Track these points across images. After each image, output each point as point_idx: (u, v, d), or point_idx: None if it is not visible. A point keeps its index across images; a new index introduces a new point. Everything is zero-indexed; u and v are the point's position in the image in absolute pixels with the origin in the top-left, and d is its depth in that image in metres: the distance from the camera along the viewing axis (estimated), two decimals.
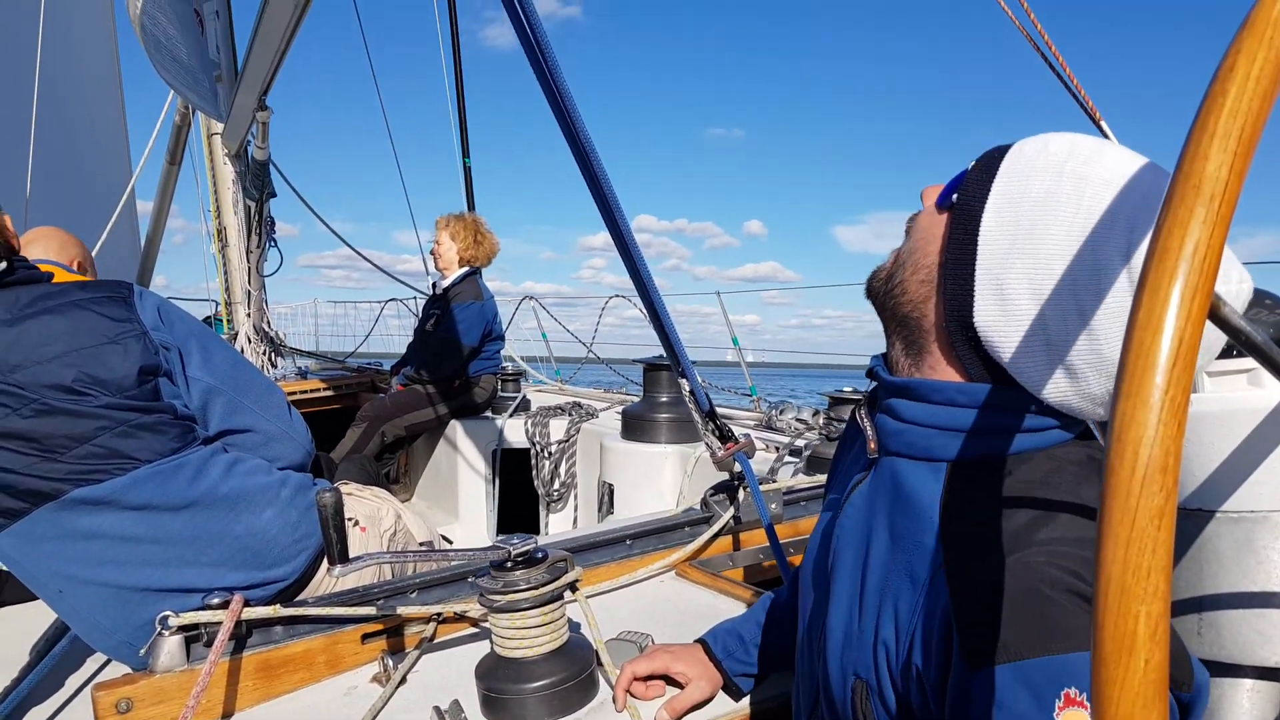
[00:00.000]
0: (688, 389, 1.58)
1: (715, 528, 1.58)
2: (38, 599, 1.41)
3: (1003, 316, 0.64)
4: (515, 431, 3.51)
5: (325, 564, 1.47)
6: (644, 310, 1.55)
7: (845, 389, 2.39)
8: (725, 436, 1.60)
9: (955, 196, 0.70)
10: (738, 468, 1.62)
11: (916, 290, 0.71)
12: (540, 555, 1.12)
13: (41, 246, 1.88)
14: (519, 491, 3.51)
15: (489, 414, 3.68)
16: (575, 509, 3.32)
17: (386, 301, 8.07)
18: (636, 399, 3.91)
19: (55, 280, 1.45)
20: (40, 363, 1.31)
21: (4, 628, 1.97)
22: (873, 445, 0.75)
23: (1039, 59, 1.55)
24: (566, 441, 3.34)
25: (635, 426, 2.81)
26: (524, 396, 3.74)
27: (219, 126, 4.13)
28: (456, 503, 3.57)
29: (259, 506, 1.41)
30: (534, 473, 3.39)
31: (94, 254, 2.08)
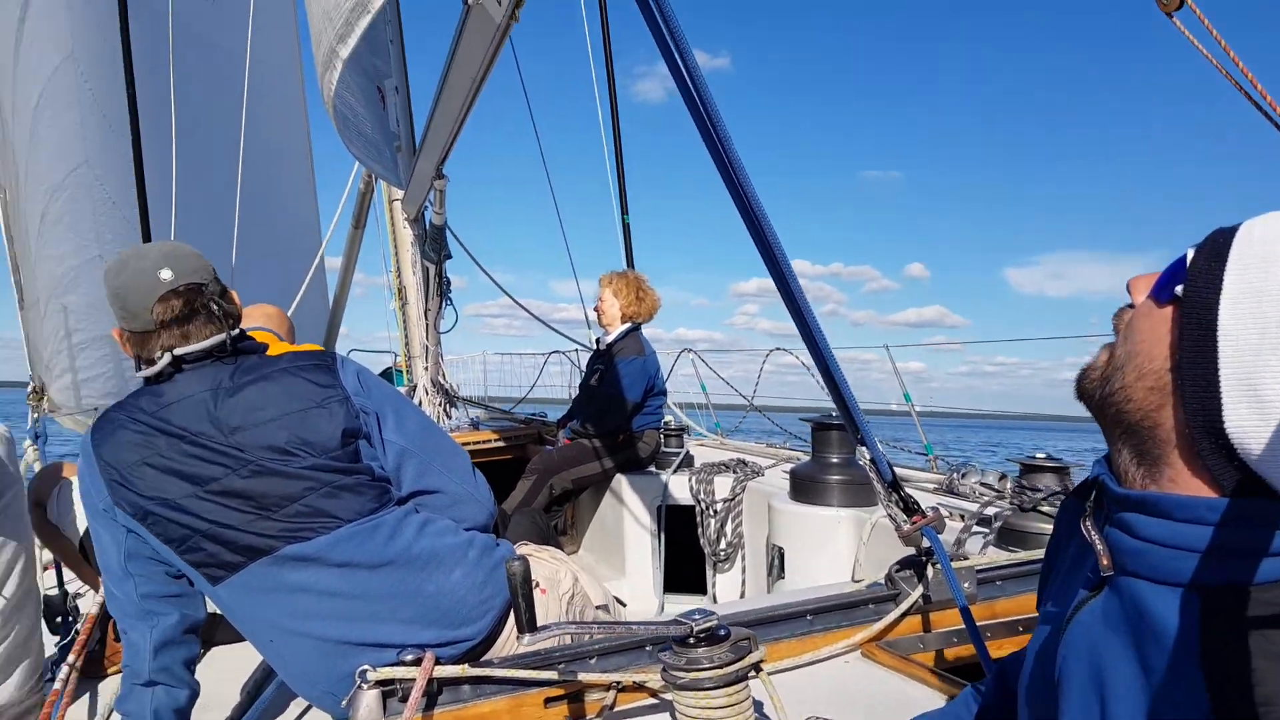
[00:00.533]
0: (867, 456, 1.55)
1: (903, 607, 1.53)
2: (244, 640, 1.53)
3: (1260, 419, 0.58)
4: (680, 488, 3.53)
5: (509, 626, 1.52)
6: (820, 378, 1.54)
7: (1038, 454, 2.27)
8: (911, 509, 1.55)
9: (1180, 290, 0.65)
10: (925, 542, 1.56)
11: (1145, 398, 0.66)
12: (723, 633, 1.12)
13: (255, 318, 2.07)
14: (685, 548, 3.52)
15: (653, 469, 3.72)
16: (743, 570, 3.30)
17: (550, 354, 8.34)
18: (801, 455, 3.85)
19: (270, 348, 1.60)
20: (257, 425, 1.44)
21: (215, 666, 2.16)
22: (1105, 562, 0.69)
23: (1231, 89, 1.45)
24: (732, 500, 3.33)
25: (805, 488, 2.76)
26: (687, 452, 3.76)
27: (399, 193, 4.43)
28: (623, 559, 3.62)
29: (448, 567, 1.48)
30: (699, 531, 3.39)
31: (290, 313, 2.28)
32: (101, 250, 5.08)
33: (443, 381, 4.75)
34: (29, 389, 4.38)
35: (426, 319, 4.50)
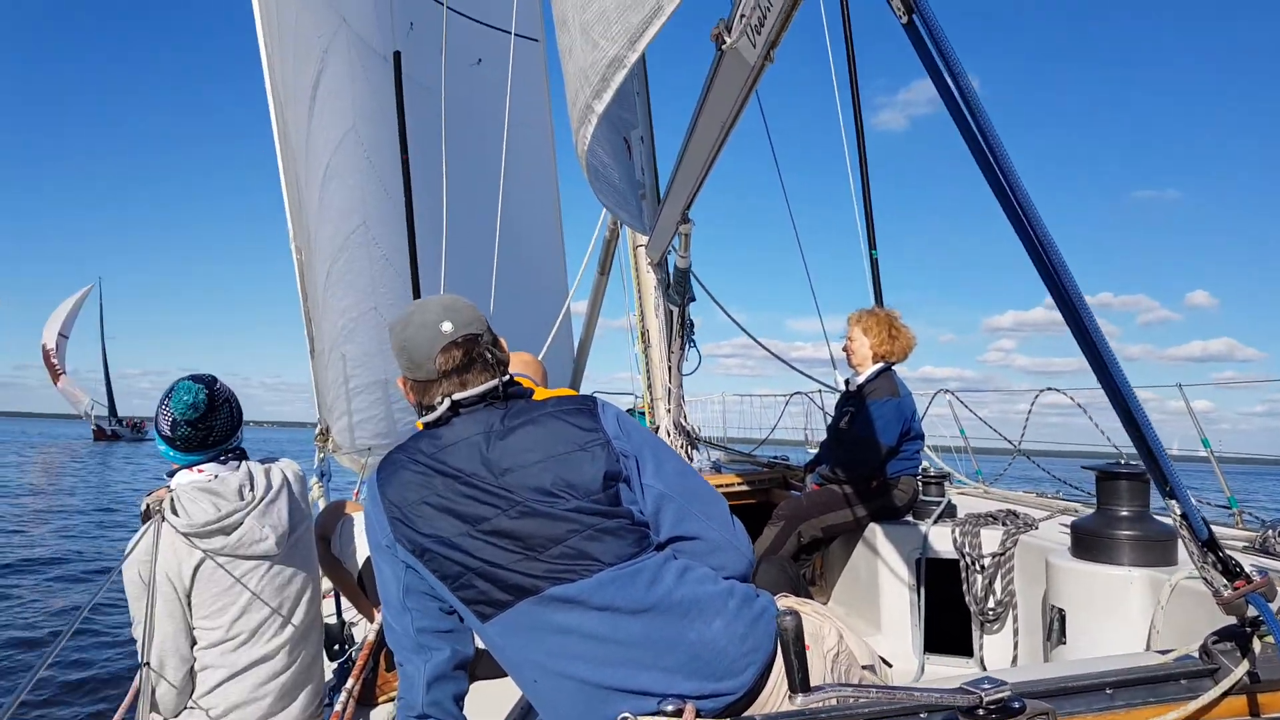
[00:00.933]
0: (1178, 511, 1.38)
1: (1224, 685, 1.33)
2: (504, 676, 1.57)
3: None
4: (941, 540, 3.33)
5: (771, 681, 1.47)
6: (1121, 422, 1.39)
7: None
8: (1232, 572, 1.36)
9: None
10: (1251, 611, 1.36)
11: None
12: (1017, 705, 1.02)
13: (514, 365, 2.19)
14: (947, 605, 3.31)
15: (910, 519, 3.54)
16: (1015, 632, 3.04)
17: (792, 395, 8.24)
18: (1080, 506, 3.53)
19: (532, 394, 1.67)
20: (525, 467, 1.49)
21: (477, 700, 2.25)
22: None
23: None
24: (1002, 554, 3.09)
25: (1090, 543, 2.52)
26: (949, 501, 3.55)
27: (643, 239, 4.56)
28: (877, 613, 3.45)
29: (709, 616, 1.45)
30: (964, 587, 3.17)
31: (540, 357, 2.39)
32: (376, 303, 5.62)
33: (684, 423, 4.81)
34: (317, 430, 4.88)
35: (669, 361, 4.58)
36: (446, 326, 1.59)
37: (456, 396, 1.57)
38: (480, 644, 1.59)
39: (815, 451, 4.53)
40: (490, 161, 5.65)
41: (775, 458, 5.23)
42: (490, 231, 5.43)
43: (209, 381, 2.33)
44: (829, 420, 4.50)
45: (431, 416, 1.58)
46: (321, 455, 4.83)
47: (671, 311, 4.38)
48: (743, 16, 1.67)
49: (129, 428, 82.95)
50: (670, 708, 1.37)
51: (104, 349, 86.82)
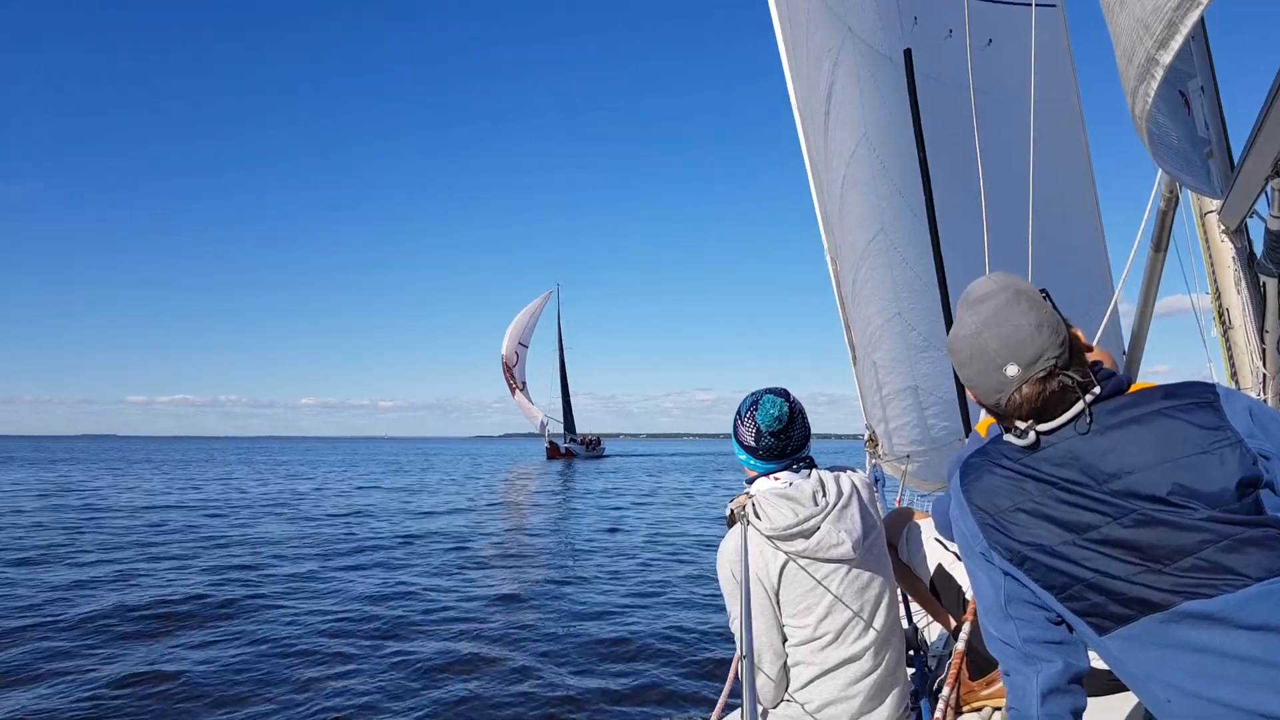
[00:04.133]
0: None
1: None
2: (1114, 693, 1.50)
3: None
4: None
5: None
6: None
7: None
8: None
9: None
10: None
11: None
12: None
13: (1096, 356, 2.08)
14: None
15: None
16: None
17: None
18: None
19: (1131, 389, 1.54)
20: (1133, 472, 1.39)
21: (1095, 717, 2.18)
22: None
23: None
24: None
25: None
26: None
27: (1212, 204, 4.07)
28: None
29: None
30: None
31: None
32: (900, 309, 5.72)
33: None
34: (866, 436, 5.11)
35: (1262, 342, 4.00)
36: (1011, 371, 1.49)
37: (1041, 428, 1.49)
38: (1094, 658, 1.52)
39: None
40: (1011, 147, 5.46)
41: None
42: (1014, 221, 5.24)
43: (786, 394, 2.52)
44: None
45: (1018, 442, 1.51)
46: (873, 462, 5.01)
47: (1262, 284, 3.83)
48: None
49: (584, 445, 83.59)
50: None
51: (561, 361, 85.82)
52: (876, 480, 4.74)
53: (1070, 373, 1.50)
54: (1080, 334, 1.60)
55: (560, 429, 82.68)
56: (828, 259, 4.82)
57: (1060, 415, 1.49)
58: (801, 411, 2.52)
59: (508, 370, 72.57)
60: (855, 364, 4.97)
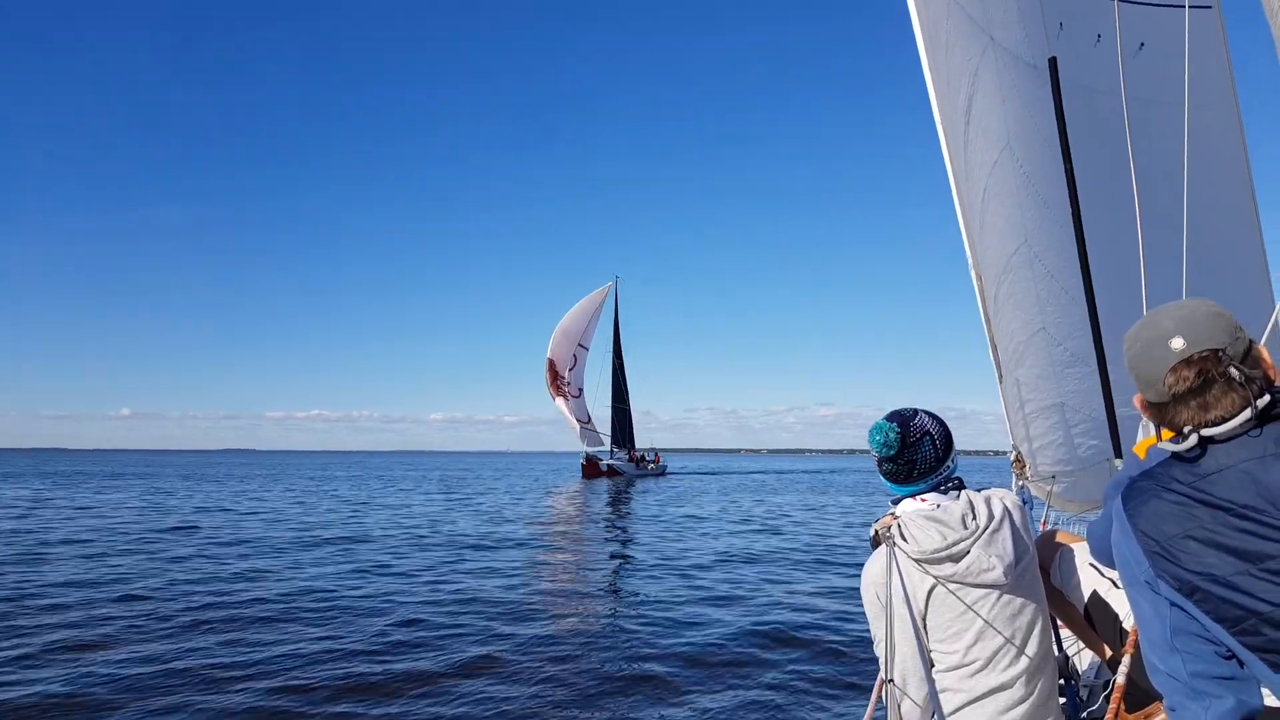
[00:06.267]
0: None
1: None
2: None
3: None
4: None
5: None
6: None
7: None
8: None
9: None
10: None
11: None
12: None
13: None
14: None
15: None
16: None
17: None
18: None
19: None
20: None
21: None
22: None
23: None
24: None
25: None
26: None
27: None
28: None
29: None
30: None
31: None
32: (1044, 323, 5.63)
33: None
34: (1012, 457, 5.05)
35: None
36: (1177, 343, 1.48)
37: (1206, 433, 1.45)
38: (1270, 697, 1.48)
39: None
40: (1163, 155, 5.34)
41: None
42: (1166, 232, 5.12)
43: (906, 418, 2.47)
44: None
45: (1179, 447, 1.48)
46: (1020, 483, 4.94)
47: None
48: None
49: (633, 462, 70.00)
50: None
51: (616, 365, 72.74)
52: (1025, 502, 4.68)
53: (1242, 368, 1.47)
54: (1268, 356, 1.56)
55: (606, 444, 70.14)
56: (972, 274, 4.80)
57: (1221, 410, 1.46)
58: (927, 432, 2.47)
59: (554, 373, 63.30)
60: (1000, 381, 4.93)
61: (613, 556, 18.66)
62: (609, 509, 34.04)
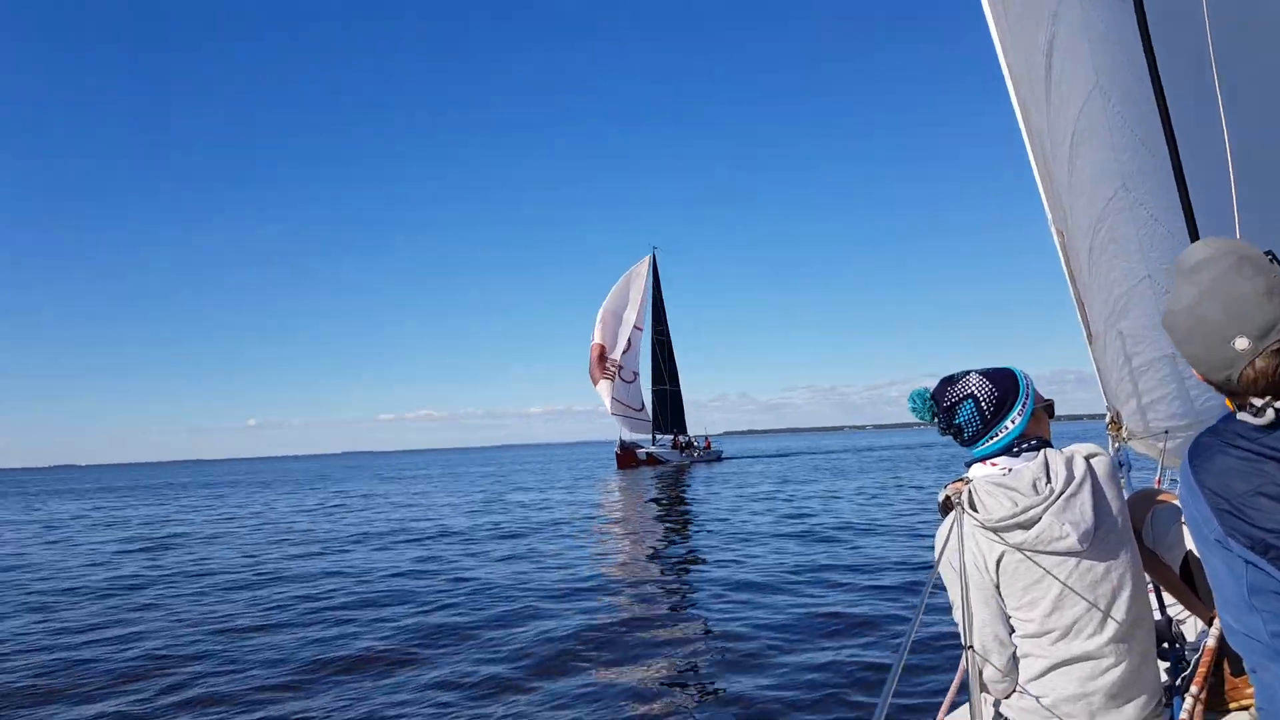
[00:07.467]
0: None
1: None
2: None
3: None
4: None
5: None
6: None
7: None
8: None
9: None
10: None
11: None
12: None
13: None
14: None
15: None
16: None
17: None
18: None
19: None
20: None
21: None
22: None
23: None
24: None
25: None
26: None
27: None
28: None
29: None
30: None
31: None
32: (1149, 270, 5.37)
33: None
34: (1106, 419, 4.84)
35: None
36: (1241, 344, 1.41)
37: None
38: None
39: None
40: (1264, 82, 4.98)
41: None
42: (1268, 165, 4.78)
43: (943, 383, 2.45)
44: None
45: (1260, 421, 1.42)
46: (1116, 445, 4.73)
47: None
48: None
49: (678, 449, 65.86)
50: None
51: (658, 344, 68.82)
52: (1121, 465, 4.46)
53: None
54: None
55: (646, 431, 65.89)
56: (1052, 230, 4.59)
57: None
58: (969, 395, 2.41)
59: (603, 357, 59.91)
60: (1091, 342, 4.69)
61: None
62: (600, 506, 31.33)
